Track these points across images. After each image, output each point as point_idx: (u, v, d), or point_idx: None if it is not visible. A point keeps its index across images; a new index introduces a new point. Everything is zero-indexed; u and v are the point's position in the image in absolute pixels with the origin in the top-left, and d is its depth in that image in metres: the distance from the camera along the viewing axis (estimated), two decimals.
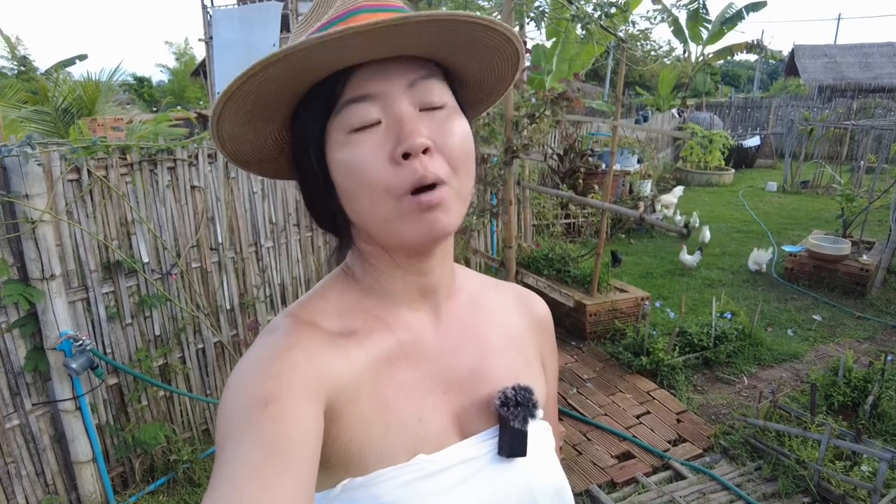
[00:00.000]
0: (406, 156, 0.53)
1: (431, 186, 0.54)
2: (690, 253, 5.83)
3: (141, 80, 16.32)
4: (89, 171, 2.51)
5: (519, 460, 0.63)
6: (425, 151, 0.53)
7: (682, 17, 12.94)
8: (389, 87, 0.54)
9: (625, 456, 3.03)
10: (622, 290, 4.40)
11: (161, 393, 2.96)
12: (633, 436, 3.16)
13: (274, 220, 3.39)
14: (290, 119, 0.59)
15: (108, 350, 2.71)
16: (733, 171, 11.32)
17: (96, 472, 2.65)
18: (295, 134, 0.59)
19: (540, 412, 0.65)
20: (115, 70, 7.76)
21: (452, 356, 0.66)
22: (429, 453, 0.59)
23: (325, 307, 0.63)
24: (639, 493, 2.70)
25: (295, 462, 0.46)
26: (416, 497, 0.56)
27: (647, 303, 4.22)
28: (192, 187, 2.95)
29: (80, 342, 2.43)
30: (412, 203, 0.54)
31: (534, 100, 2.86)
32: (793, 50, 18.94)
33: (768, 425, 2.93)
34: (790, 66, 19.75)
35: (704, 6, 12.66)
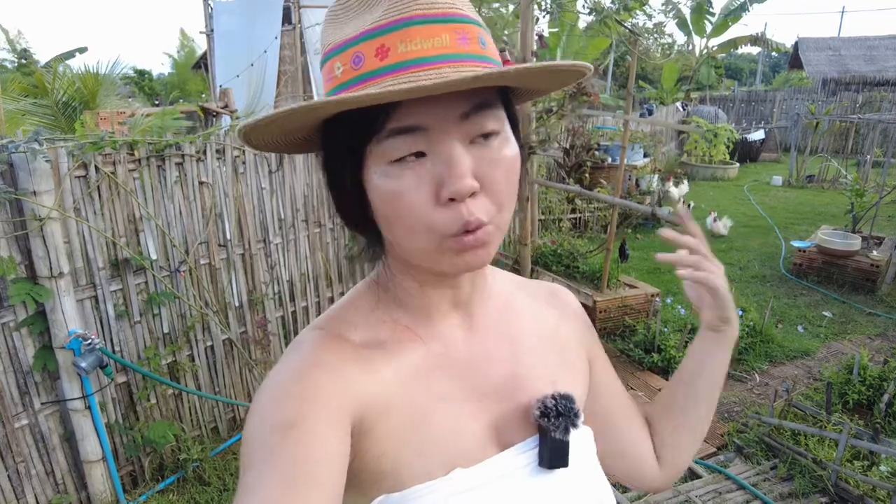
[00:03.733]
0: (452, 199, 0.50)
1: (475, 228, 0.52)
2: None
3: (142, 73, 16.22)
4: (97, 167, 2.46)
5: (560, 471, 0.60)
6: (472, 194, 0.51)
7: (687, 9, 12.86)
8: (440, 120, 0.50)
9: None
10: (632, 286, 4.37)
11: (170, 391, 2.93)
12: None
13: (282, 216, 3.35)
14: (325, 122, 0.55)
15: (117, 348, 2.68)
16: (738, 165, 11.26)
17: (106, 471, 2.63)
18: (328, 140, 0.56)
19: (581, 419, 0.63)
20: (115, 63, 7.71)
21: (487, 364, 0.64)
22: (466, 466, 0.57)
23: (353, 319, 0.61)
24: (653, 493, 2.67)
25: (317, 490, 0.45)
26: None
27: (657, 299, 4.19)
28: (201, 183, 2.90)
29: (90, 341, 2.40)
30: (453, 244, 0.52)
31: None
32: (797, 43, 18.76)
33: (783, 424, 2.90)
34: (794, 58, 19.59)
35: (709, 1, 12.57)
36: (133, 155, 2.60)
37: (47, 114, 6.40)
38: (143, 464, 2.84)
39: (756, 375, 3.77)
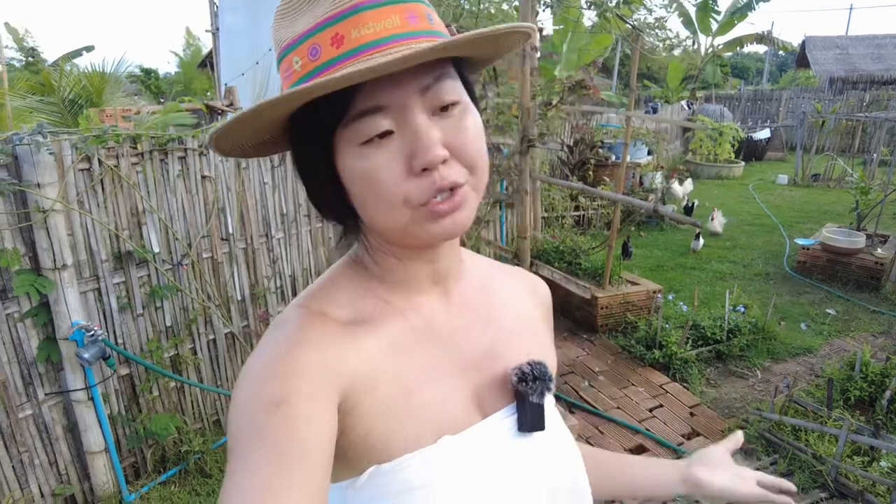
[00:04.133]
0: (425, 169, 0.52)
1: (449, 189, 0.54)
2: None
3: (148, 72, 16.30)
4: (100, 161, 2.49)
5: (538, 434, 0.64)
6: (443, 162, 0.53)
7: (692, 7, 12.78)
8: (401, 97, 0.52)
9: (638, 449, 3.00)
10: (634, 283, 4.36)
11: (172, 384, 2.95)
12: (647, 429, 3.13)
13: (285, 211, 3.37)
14: (291, 117, 0.56)
15: (120, 340, 2.70)
16: (743, 163, 11.22)
17: (108, 462, 2.65)
18: (297, 133, 0.57)
19: (553, 385, 0.67)
20: (120, 61, 7.75)
21: (465, 338, 0.66)
22: (453, 434, 0.59)
23: (336, 295, 0.62)
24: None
25: (306, 467, 0.46)
26: (446, 478, 0.57)
27: (659, 296, 4.18)
28: (203, 177, 2.92)
29: (92, 332, 2.42)
30: (429, 212, 0.54)
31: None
32: (804, 41, 18.68)
33: (784, 420, 2.90)
34: (801, 57, 19.49)
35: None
36: (136, 149, 2.62)
37: (54, 111, 6.44)
38: (146, 455, 2.87)
39: (758, 372, 3.77)
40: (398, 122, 0.52)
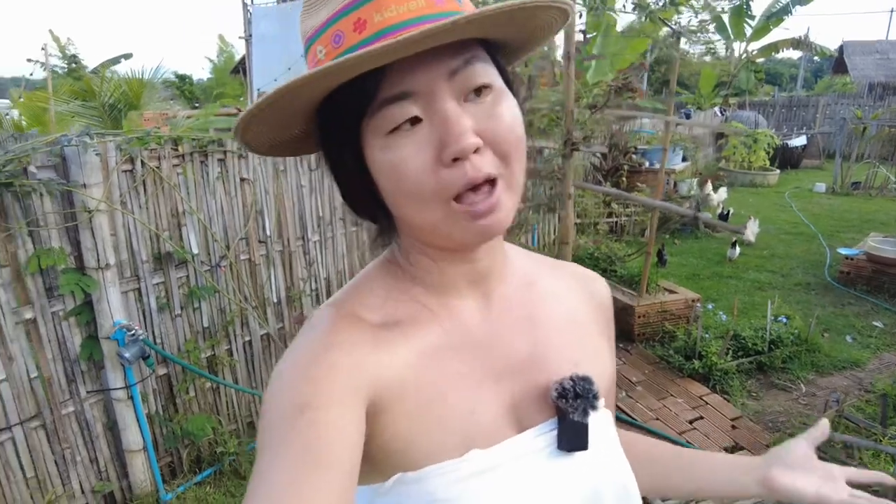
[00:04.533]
0: (456, 159, 0.49)
1: (482, 185, 0.50)
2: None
3: (182, 78, 16.66)
4: (143, 162, 2.52)
5: (580, 454, 0.59)
6: (476, 151, 0.49)
7: (725, 13, 12.55)
8: (429, 82, 0.49)
9: None
10: (671, 291, 4.26)
11: (208, 385, 2.97)
12: (687, 441, 3.04)
13: (321, 214, 3.37)
14: (317, 111, 0.54)
15: (158, 341, 2.73)
16: (778, 171, 10.95)
17: (146, 461, 2.67)
18: (324, 128, 0.55)
19: (601, 402, 0.61)
20: (157, 68, 7.92)
21: (505, 344, 0.62)
22: (483, 447, 0.56)
23: (369, 298, 0.60)
24: (700, 502, 2.59)
25: (331, 471, 0.45)
26: (470, 494, 0.54)
27: (698, 305, 4.08)
28: (242, 179, 2.94)
29: (133, 332, 2.44)
30: (465, 212, 0.51)
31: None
32: (841, 46, 18.23)
33: (835, 436, 2.77)
34: (838, 62, 19.04)
35: (748, 2, 12.25)
36: (177, 151, 2.65)
37: (94, 115, 6.61)
38: (182, 455, 2.88)
39: (802, 385, 3.63)
40: (426, 108, 0.49)
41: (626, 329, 4.13)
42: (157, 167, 2.57)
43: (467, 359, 0.60)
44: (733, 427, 3.19)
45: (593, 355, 0.67)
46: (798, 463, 0.70)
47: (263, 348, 3.22)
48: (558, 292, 0.70)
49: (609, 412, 0.66)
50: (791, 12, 12.45)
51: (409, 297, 0.61)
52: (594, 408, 0.59)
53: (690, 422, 3.22)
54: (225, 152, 2.83)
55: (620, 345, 4.15)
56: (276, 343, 3.25)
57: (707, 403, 3.39)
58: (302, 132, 0.57)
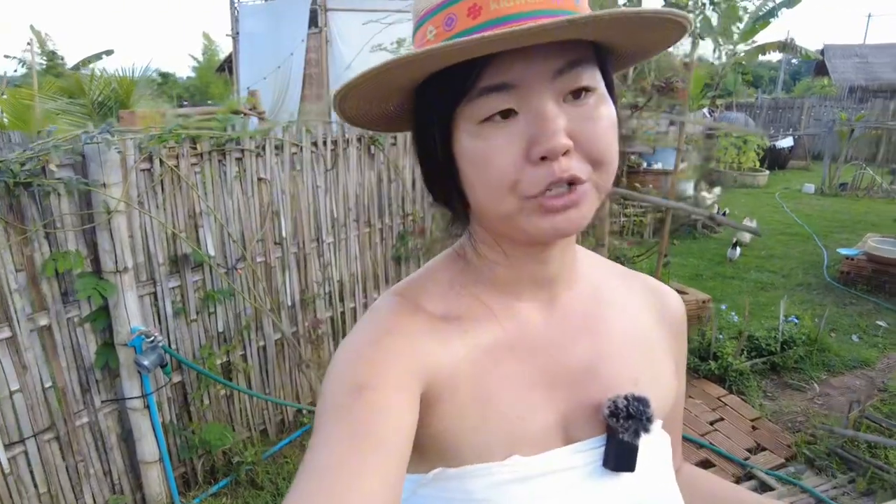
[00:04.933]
0: (544, 158, 0.48)
1: (567, 184, 0.49)
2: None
3: (165, 76, 16.35)
4: (161, 161, 2.41)
5: (626, 475, 0.57)
6: (565, 153, 0.48)
7: (714, 14, 12.70)
8: (532, 77, 0.48)
9: (704, 464, 2.88)
10: (682, 292, 4.25)
11: (222, 392, 2.87)
12: (710, 443, 3.02)
13: (336, 215, 3.29)
14: (416, 92, 0.54)
15: (174, 346, 2.62)
16: (767, 172, 11.09)
17: (162, 473, 2.56)
18: (419, 108, 0.55)
19: (656, 424, 0.59)
20: (146, 66, 7.74)
21: (564, 352, 0.61)
22: (527, 454, 0.55)
23: (432, 289, 0.60)
24: None
25: (384, 453, 0.45)
26: (507, 500, 0.54)
27: (710, 305, 4.07)
28: (259, 179, 2.85)
29: (152, 338, 2.34)
30: (541, 205, 0.50)
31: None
32: (822, 49, 18.56)
33: (859, 436, 2.78)
34: (819, 65, 19.38)
35: (735, 3, 12.40)
36: (195, 149, 2.55)
37: (82, 113, 6.42)
38: (196, 466, 2.78)
39: (815, 385, 3.65)
40: (523, 103, 0.48)
41: None
42: (176, 166, 2.47)
43: (524, 362, 0.59)
44: (754, 428, 3.18)
45: (656, 375, 0.65)
46: None
47: (277, 353, 3.13)
48: (627, 304, 0.67)
49: (666, 435, 0.64)
50: (777, 15, 12.65)
51: (470, 293, 0.60)
52: (646, 430, 0.57)
53: (711, 423, 3.21)
54: (243, 151, 2.73)
55: None
56: (290, 347, 3.16)
57: (726, 405, 3.38)
58: (396, 109, 0.57)
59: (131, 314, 2.35)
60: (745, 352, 3.74)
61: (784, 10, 12.95)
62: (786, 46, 12.76)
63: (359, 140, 3.30)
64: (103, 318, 2.32)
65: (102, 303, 2.28)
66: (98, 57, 11.87)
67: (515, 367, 0.58)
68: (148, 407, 2.47)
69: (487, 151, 0.49)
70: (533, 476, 0.55)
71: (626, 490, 0.57)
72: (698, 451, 2.97)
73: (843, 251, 5.54)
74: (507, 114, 0.49)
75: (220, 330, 2.82)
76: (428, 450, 0.55)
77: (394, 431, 0.46)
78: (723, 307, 4.43)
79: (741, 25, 12.35)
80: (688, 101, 3.87)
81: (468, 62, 0.47)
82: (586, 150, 0.49)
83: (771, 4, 12.60)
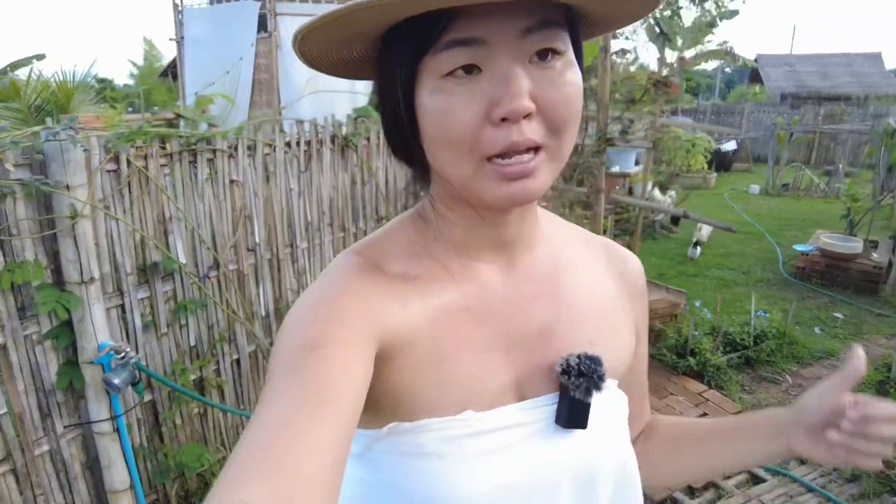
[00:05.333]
0: (504, 119, 0.47)
1: (522, 151, 0.49)
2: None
3: (103, 82, 15.55)
4: (128, 161, 2.22)
5: (578, 432, 0.58)
6: (526, 116, 0.47)
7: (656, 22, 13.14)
8: (499, 34, 0.47)
9: None
10: (659, 287, 4.30)
11: (195, 410, 2.67)
12: None
13: (309, 219, 3.14)
14: (382, 41, 0.52)
15: (143, 362, 2.42)
16: (716, 174, 11.52)
17: (133, 502, 2.35)
18: (384, 61, 0.53)
19: (608, 384, 0.60)
20: (88, 70, 7.28)
21: (521, 313, 0.61)
22: (480, 411, 0.56)
23: (390, 248, 0.60)
24: (726, 498, 2.57)
25: (333, 409, 0.44)
26: (460, 453, 0.55)
27: (685, 304, 4.13)
28: (231, 181, 2.68)
29: (123, 354, 2.14)
30: (494, 169, 0.49)
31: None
32: (756, 58, 19.54)
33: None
34: (754, 73, 20.39)
35: (678, 14, 12.89)
36: (165, 149, 2.37)
37: (17, 118, 5.97)
38: (169, 492, 2.57)
39: (788, 377, 3.74)
40: (488, 61, 0.47)
41: None
42: (144, 167, 2.28)
43: (481, 323, 0.59)
44: None
45: (611, 336, 0.65)
46: (823, 420, 0.60)
47: (251, 366, 2.95)
48: (587, 267, 0.68)
49: (623, 395, 0.65)
50: (718, 24, 13.23)
51: (429, 253, 0.60)
52: (598, 388, 0.58)
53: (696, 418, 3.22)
54: (214, 151, 2.56)
55: None
56: (266, 359, 2.98)
57: (707, 400, 3.41)
58: (360, 55, 0.54)
59: (98, 329, 2.14)
60: (721, 347, 3.80)
61: (724, 20, 13.54)
62: (726, 54, 13.38)
63: (332, 140, 3.18)
64: (66, 334, 2.10)
65: (66, 317, 2.07)
66: (28, 61, 11.16)
67: (472, 328, 0.58)
68: (118, 430, 2.25)
69: (448, 107, 0.48)
70: (485, 431, 0.55)
71: (578, 447, 0.58)
72: None
73: (799, 247, 5.77)
74: (470, 69, 0.47)
75: (193, 343, 2.63)
76: (383, 405, 0.55)
77: (345, 387, 0.46)
78: (696, 304, 4.51)
79: (680, 39, 12.85)
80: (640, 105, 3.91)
81: (436, 13, 0.45)
82: (548, 115, 0.49)
83: (713, 14, 13.16)
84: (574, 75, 0.51)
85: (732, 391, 3.51)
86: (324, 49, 0.52)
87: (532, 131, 0.48)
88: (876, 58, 19.88)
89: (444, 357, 0.56)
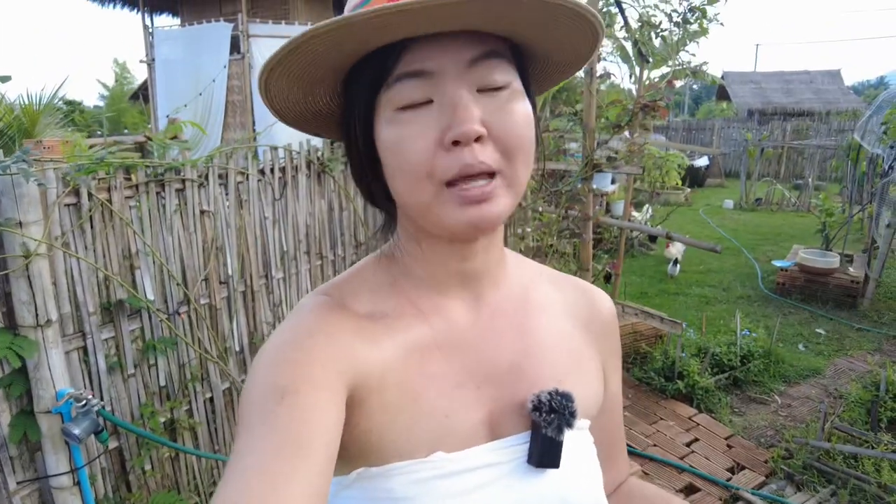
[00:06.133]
0: (456, 143, 0.48)
1: (478, 176, 0.50)
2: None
3: (71, 104, 15.18)
4: (90, 194, 2.09)
5: (551, 471, 0.57)
6: (478, 139, 0.49)
7: (629, 45, 13.40)
8: (446, 65, 0.49)
9: (689, 489, 2.81)
10: (653, 318, 4.24)
11: (166, 454, 2.50)
12: (691, 466, 2.95)
13: (285, 249, 3.02)
14: (342, 85, 0.55)
15: (108, 407, 2.26)
16: (689, 189, 11.66)
17: None
18: (345, 102, 0.56)
19: (580, 422, 0.60)
20: (55, 92, 7.06)
21: (491, 349, 0.61)
22: (450, 451, 0.55)
23: (358, 287, 0.61)
24: None
25: (309, 457, 0.44)
26: (430, 496, 0.53)
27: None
28: (202, 212, 2.55)
29: (84, 402, 1.98)
30: (453, 194, 0.50)
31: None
32: (723, 76, 20.02)
33: (836, 447, 2.79)
34: (721, 90, 20.87)
35: (662, 37, 13.18)
36: (130, 180, 2.24)
37: None
38: None
39: (776, 397, 3.70)
40: (437, 91, 0.49)
41: None
42: (108, 200, 2.14)
43: (451, 360, 0.59)
44: (729, 447, 3.15)
45: (582, 373, 0.65)
46: None
47: (226, 405, 2.79)
48: (556, 304, 0.68)
49: (589, 435, 0.64)
50: (686, 44, 13.54)
51: (398, 292, 0.60)
52: (569, 425, 0.57)
53: (688, 445, 3.15)
54: (183, 181, 2.43)
55: None
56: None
57: (698, 424, 3.34)
58: (325, 106, 0.57)
59: (56, 375, 1.98)
60: (708, 369, 3.75)
61: (691, 41, 13.83)
62: (695, 73, 13.68)
63: (308, 166, 3.07)
64: (20, 382, 1.94)
65: (19, 364, 1.90)
66: None
67: (442, 365, 0.58)
68: (79, 483, 2.08)
69: (403, 138, 0.50)
70: (456, 472, 0.54)
71: (551, 486, 0.57)
72: (680, 476, 2.90)
73: (778, 263, 5.80)
74: (422, 101, 0.49)
75: (163, 384, 2.47)
76: (351, 451, 0.54)
77: (319, 433, 0.45)
78: (683, 325, 4.47)
79: (651, 59, 13.08)
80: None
81: (387, 49, 0.49)
82: (500, 140, 0.50)
83: (679, 35, 13.43)
84: (522, 105, 0.52)
85: (722, 414, 3.46)
86: (287, 94, 0.53)
87: (485, 155, 0.49)
88: (835, 75, 20.53)
89: (414, 397, 0.56)
